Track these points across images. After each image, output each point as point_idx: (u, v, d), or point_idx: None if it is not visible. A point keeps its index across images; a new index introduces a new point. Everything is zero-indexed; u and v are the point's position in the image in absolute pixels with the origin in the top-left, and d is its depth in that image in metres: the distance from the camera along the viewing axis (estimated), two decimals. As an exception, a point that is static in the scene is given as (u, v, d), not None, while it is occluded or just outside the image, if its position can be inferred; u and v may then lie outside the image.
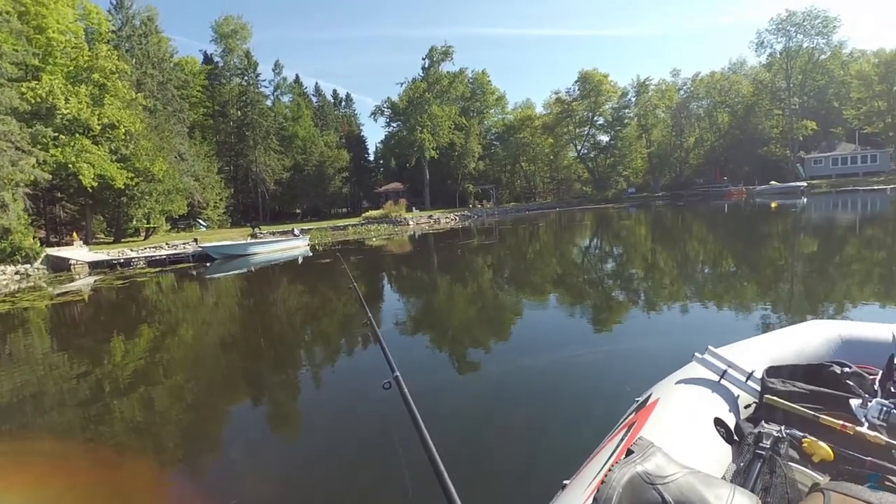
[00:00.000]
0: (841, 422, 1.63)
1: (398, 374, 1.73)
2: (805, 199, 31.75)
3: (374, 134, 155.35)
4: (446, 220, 40.17)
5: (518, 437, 3.42)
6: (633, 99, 58.17)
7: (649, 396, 2.04)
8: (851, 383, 1.94)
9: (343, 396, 4.67)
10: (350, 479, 3.12)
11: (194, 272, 17.04)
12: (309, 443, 3.76)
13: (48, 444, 4.04)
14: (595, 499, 1.01)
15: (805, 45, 48.63)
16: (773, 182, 42.82)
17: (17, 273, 18.09)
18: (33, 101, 22.16)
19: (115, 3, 37.06)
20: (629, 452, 1.14)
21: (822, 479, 1.47)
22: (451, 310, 8.39)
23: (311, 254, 20.78)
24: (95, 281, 16.06)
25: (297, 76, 59.96)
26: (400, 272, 14.43)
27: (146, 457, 3.73)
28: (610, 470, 1.07)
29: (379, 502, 2.88)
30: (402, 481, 2.92)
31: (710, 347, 2.25)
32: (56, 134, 22.79)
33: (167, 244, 24.59)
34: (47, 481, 3.38)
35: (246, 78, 49.14)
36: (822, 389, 1.89)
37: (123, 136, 26.24)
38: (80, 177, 22.89)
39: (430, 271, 13.78)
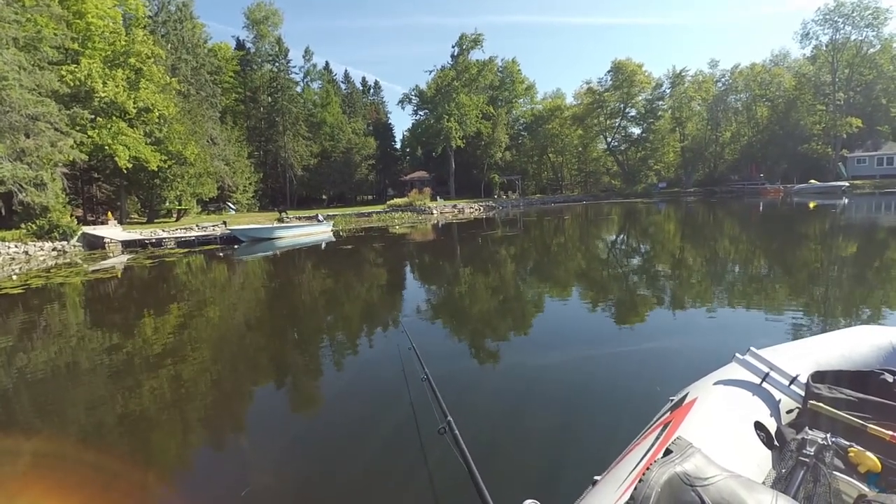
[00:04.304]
0: (890, 432, 1.56)
1: (451, 418, 2.12)
2: (846, 200, 30.45)
3: (402, 122, 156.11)
4: (470, 209, 40.08)
5: (546, 430, 3.38)
6: (668, 90, 56.62)
7: (685, 396, 1.97)
8: (903, 393, 1.84)
9: (366, 383, 4.69)
10: (369, 466, 3.12)
11: (221, 254, 17.43)
12: (327, 429, 3.79)
13: (70, 419, 4.18)
14: (632, 497, 0.97)
15: (853, 37, 46.22)
16: (812, 181, 41.27)
17: (54, 249, 18.84)
18: (72, 84, 22.91)
19: (152, -12, 37.91)
20: (667, 452, 1.10)
21: (869, 491, 1.41)
22: (474, 300, 8.35)
23: (333, 240, 21.03)
24: (128, 259, 16.60)
25: (326, 63, 60.53)
26: (423, 260, 14.46)
27: (163, 436, 3.82)
28: (648, 468, 1.03)
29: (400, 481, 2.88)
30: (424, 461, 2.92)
31: (752, 349, 2.18)
32: (94, 116, 23.57)
33: (197, 226, 25.22)
34: (71, 455, 3.49)
35: (277, 64, 49.78)
36: (870, 398, 1.80)
37: (158, 120, 27.00)
38: (116, 158, 23.71)
39: (453, 261, 13.76)
